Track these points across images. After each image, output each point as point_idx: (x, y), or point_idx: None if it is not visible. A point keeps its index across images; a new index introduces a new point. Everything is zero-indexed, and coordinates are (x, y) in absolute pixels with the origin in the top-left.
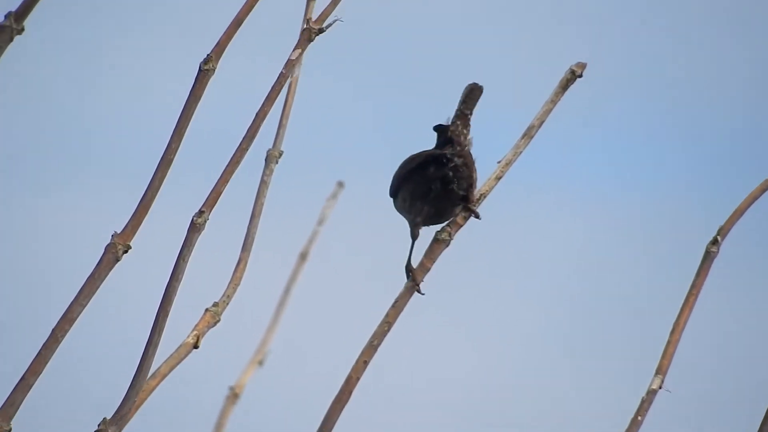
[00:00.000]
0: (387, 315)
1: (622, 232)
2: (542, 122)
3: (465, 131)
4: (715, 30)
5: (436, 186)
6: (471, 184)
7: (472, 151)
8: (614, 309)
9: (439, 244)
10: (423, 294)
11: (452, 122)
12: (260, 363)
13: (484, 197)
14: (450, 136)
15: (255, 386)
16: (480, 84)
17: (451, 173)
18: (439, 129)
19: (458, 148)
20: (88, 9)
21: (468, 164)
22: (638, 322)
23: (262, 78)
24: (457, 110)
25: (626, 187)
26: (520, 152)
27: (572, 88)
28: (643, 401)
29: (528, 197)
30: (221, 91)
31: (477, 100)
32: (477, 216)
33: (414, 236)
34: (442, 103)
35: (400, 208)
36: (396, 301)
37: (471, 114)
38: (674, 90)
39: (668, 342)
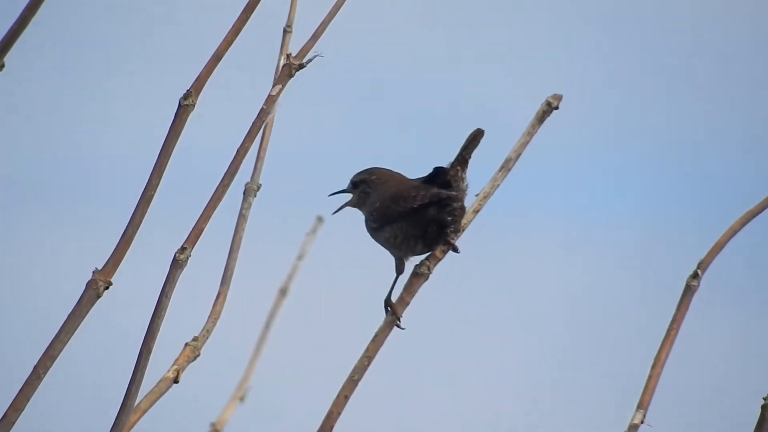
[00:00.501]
0: (367, 349)
1: (601, 265)
2: (519, 155)
3: (463, 175)
4: (693, 62)
5: (432, 228)
6: (459, 228)
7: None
8: (594, 343)
9: (418, 278)
10: (403, 329)
11: (452, 166)
12: (241, 399)
13: (463, 230)
14: (449, 179)
15: (236, 422)
16: (483, 129)
17: (449, 217)
18: (440, 171)
19: (457, 193)
20: (68, 45)
21: (463, 209)
22: (619, 356)
23: (241, 113)
24: (459, 154)
25: (606, 221)
26: (498, 185)
27: (548, 120)
28: None
29: (506, 230)
30: (201, 127)
31: (478, 144)
32: (455, 250)
33: (400, 271)
34: (422, 137)
35: (387, 242)
36: (376, 336)
37: (470, 158)
38: (654, 123)
39: (649, 376)
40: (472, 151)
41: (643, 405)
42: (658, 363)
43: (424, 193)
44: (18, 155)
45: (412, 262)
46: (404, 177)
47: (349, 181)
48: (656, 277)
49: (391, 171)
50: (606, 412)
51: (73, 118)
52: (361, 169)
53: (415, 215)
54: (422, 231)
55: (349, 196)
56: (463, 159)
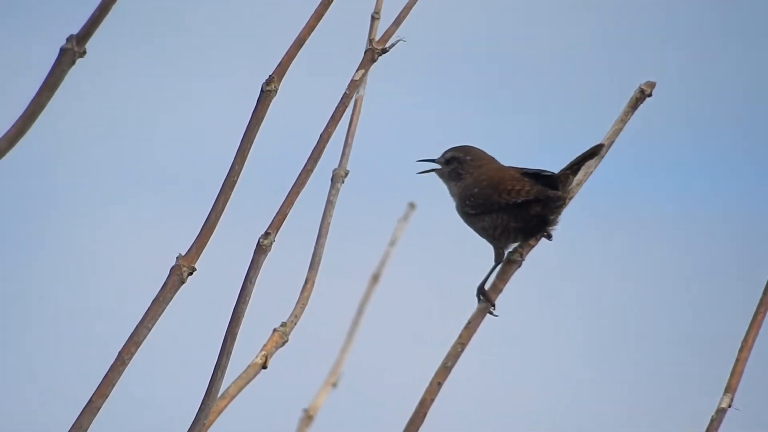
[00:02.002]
0: (460, 336)
1: (690, 249)
2: (612, 142)
3: (572, 178)
4: None
5: (533, 223)
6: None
7: None
8: (683, 328)
9: (511, 265)
10: (497, 316)
11: (564, 171)
12: (334, 385)
13: None
14: (557, 183)
15: (329, 408)
16: (603, 144)
17: (552, 216)
18: (549, 176)
19: (564, 194)
20: (149, 31)
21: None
22: (707, 340)
23: (324, 99)
24: (574, 163)
25: (695, 206)
26: (591, 172)
27: (641, 107)
28: (712, 420)
29: (598, 216)
30: (284, 112)
31: (557, 183)
32: (549, 237)
33: (498, 261)
34: (510, 120)
35: (484, 231)
36: (469, 322)
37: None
38: (742, 112)
39: (737, 360)
40: (585, 162)
41: (730, 389)
42: (745, 346)
43: (530, 188)
44: (101, 142)
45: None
46: (498, 163)
47: (441, 154)
48: (745, 260)
49: (485, 153)
50: (694, 395)
51: (156, 104)
52: (456, 145)
53: (518, 209)
54: (523, 225)
55: (437, 166)
56: (574, 168)
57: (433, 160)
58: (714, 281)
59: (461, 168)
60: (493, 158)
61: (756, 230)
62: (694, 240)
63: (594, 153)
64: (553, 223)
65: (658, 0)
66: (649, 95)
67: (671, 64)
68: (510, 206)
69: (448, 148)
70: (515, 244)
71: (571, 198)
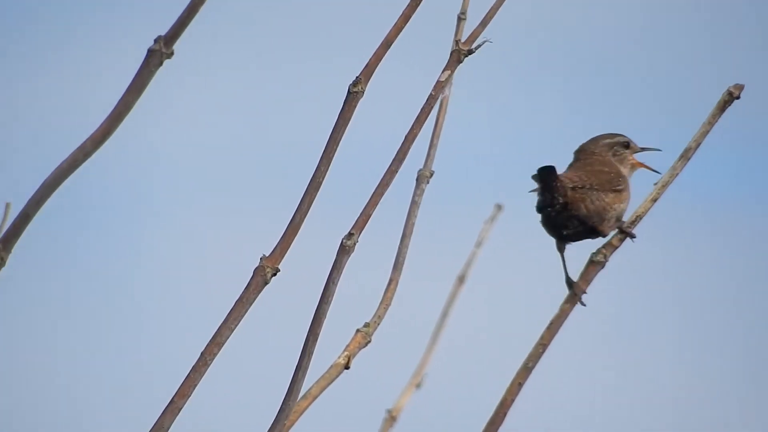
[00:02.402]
0: (542, 337)
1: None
2: (699, 144)
3: (556, 194)
4: None
5: (553, 229)
6: (588, 226)
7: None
8: (755, 336)
9: (594, 266)
10: (584, 305)
11: (542, 192)
12: (418, 385)
13: (640, 218)
14: (544, 199)
15: (412, 409)
16: (546, 167)
17: (557, 222)
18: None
19: (557, 196)
20: (237, 33)
21: (572, 209)
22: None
23: (410, 99)
24: (541, 186)
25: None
26: (677, 174)
27: (729, 109)
28: None
29: (684, 218)
30: (370, 113)
31: (551, 178)
32: (632, 236)
33: (558, 249)
34: (596, 122)
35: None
36: (551, 323)
37: (555, 182)
38: None
39: None
40: (550, 181)
41: None
42: None
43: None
44: (188, 143)
45: (588, 246)
46: (586, 164)
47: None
48: None
49: (593, 151)
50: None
51: (243, 106)
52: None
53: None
54: (551, 233)
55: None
56: (549, 188)
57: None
58: None
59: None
60: (590, 161)
61: None
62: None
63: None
64: (562, 222)
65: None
66: (737, 98)
67: (761, 66)
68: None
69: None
70: (574, 240)
71: (656, 200)
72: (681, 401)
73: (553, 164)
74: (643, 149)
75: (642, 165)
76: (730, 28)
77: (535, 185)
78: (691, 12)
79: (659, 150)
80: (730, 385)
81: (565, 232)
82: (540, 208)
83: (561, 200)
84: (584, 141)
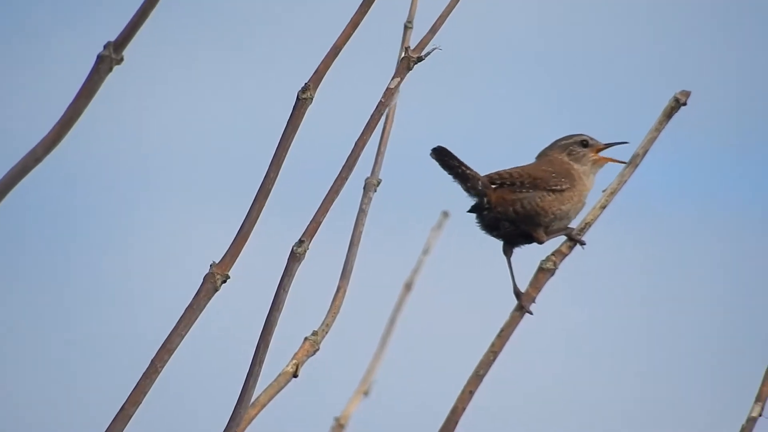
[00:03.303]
0: (492, 344)
1: (723, 257)
2: (646, 151)
3: (469, 184)
4: None
5: (487, 230)
6: (518, 227)
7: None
8: (714, 336)
9: (544, 273)
10: (531, 313)
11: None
12: (365, 393)
13: (590, 225)
14: (470, 195)
15: (360, 417)
16: (437, 147)
17: (488, 223)
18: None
19: (483, 202)
20: (186, 39)
21: (500, 211)
22: (738, 349)
23: (360, 106)
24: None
25: (729, 213)
26: (625, 181)
27: (676, 116)
28: (743, 428)
29: (632, 224)
30: (319, 120)
31: (446, 158)
32: (582, 243)
33: (504, 253)
34: (544, 128)
35: None
36: (501, 331)
37: (460, 168)
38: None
39: None
40: (452, 165)
41: (761, 397)
42: None
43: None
44: (136, 149)
45: (537, 253)
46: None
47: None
48: None
49: (546, 154)
50: (724, 404)
51: (191, 112)
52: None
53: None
54: (491, 235)
55: None
56: (455, 174)
57: None
58: (748, 290)
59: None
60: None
61: None
62: (727, 248)
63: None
64: (495, 226)
65: (694, 9)
66: (684, 104)
67: (706, 73)
68: None
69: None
70: (515, 247)
71: (605, 207)
72: (632, 407)
73: (444, 146)
74: (607, 145)
75: (605, 159)
76: (681, 35)
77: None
78: (640, 19)
79: (626, 143)
80: (682, 388)
81: (496, 233)
82: (472, 209)
83: (484, 197)
84: (543, 146)
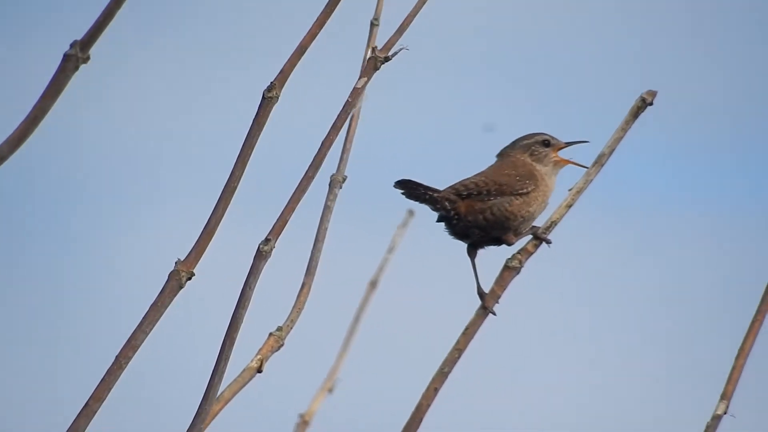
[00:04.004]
0: (458, 342)
1: (688, 257)
2: (613, 150)
3: (439, 205)
4: None
5: (459, 238)
6: (488, 233)
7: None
8: (679, 333)
9: (509, 271)
10: (495, 314)
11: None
12: (330, 390)
13: (555, 224)
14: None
15: (324, 413)
16: (400, 181)
17: (459, 231)
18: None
19: (451, 215)
20: (152, 39)
21: (469, 221)
22: (703, 346)
23: (326, 106)
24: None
25: (694, 213)
26: (591, 180)
27: (643, 115)
28: (708, 426)
29: (598, 223)
30: (285, 119)
31: (410, 187)
32: (548, 242)
33: (468, 254)
34: (511, 128)
35: None
36: (467, 328)
37: (426, 192)
38: (740, 121)
39: (733, 367)
40: (419, 194)
41: (726, 395)
42: (741, 354)
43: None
44: (102, 148)
45: (503, 252)
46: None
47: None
48: (741, 269)
49: (508, 154)
50: (690, 402)
51: (157, 110)
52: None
53: None
54: (455, 238)
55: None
56: (423, 199)
57: None
58: (712, 288)
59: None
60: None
61: (755, 237)
62: (691, 248)
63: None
64: (462, 231)
65: (661, 9)
66: (650, 104)
67: (673, 72)
68: None
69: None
70: (480, 248)
71: (570, 206)
72: (597, 404)
73: (408, 178)
74: (568, 144)
75: (566, 161)
76: (648, 35)
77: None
78: (607, 19)
79: (586, 142)
80: (648, 386)
81: (468, 241)
82: (440, 219)
83: (451, 212)
84: (504, 144)
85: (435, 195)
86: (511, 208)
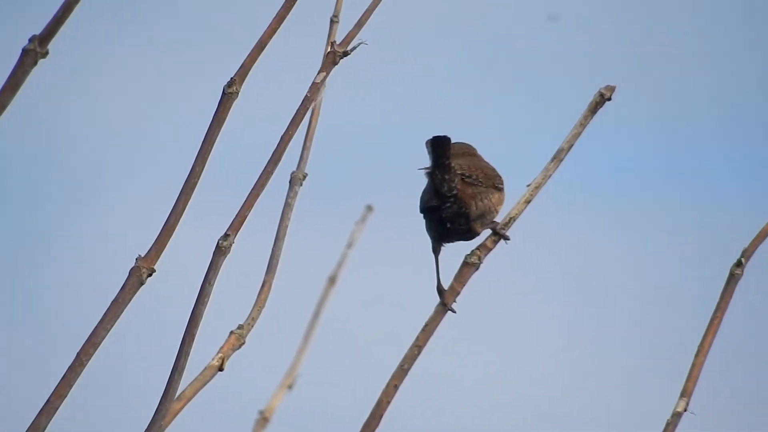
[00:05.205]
0: (417, 338)
1: (648, 253)
2: (571, 145)
3: (447, 177)
4: (744, 52)
5: (438, 225)
6: (469, 225)
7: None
8: (638, 331)
9: (468, 267)
10: (455, 312)
11: (432, 172)
12: (290, 387)
13: (514, 220)
14: (436, 187)
15: (284, 410)
16: (441, 136)
17: (444, 218)
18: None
19: (448, 196)
20: (111, 34)
21: (462, 207)
22: (663, 344)
23: (285, 101)
24: (432, 163)
25: (651, 210)
26: (550, 175)
27: (601, 110)
28: (668, 424)
29: (556, 219)
30: (245, 115)
31: (445, 148)
32: (506, 239)
33: (434, 251)
34: (469, 125)
35: (425, 228)
36: (426, 325)
37: (448, 161)
38: (698, 116)
39: (693, 364)
40: (443, 157)
41: (686, 393)
42: (701, 351)
43: (426, 197)
44: (61, 143)
45: (462, 252)
46: (470, 158)
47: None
48: (700, 266)
49: (463, 147)
50: (649, 399)
51: (116, 106)
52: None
53: (426, 215)
54: (432, 226)
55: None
56: (439, 164)
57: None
58: (672, 285)
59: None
60: (469, 153)
61: (714, 235)
62: (650, 244)
63: (434, 146)
64: (453, 224)
65: (618, 4)
66: (609, 99)
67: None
68: (423, 212)
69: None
70: (453, 241)
71: (529, 201)
72: (556, 402)
73: (448, 135)
74: None
75: None
76: (608, 30)
77: (425, 166)
78: (566, 15)
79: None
80: (607, 383)
81: (443, 232)
82: (428, 207)
83: (454, 192)
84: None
85: (453, 166)
86: (493, 200)
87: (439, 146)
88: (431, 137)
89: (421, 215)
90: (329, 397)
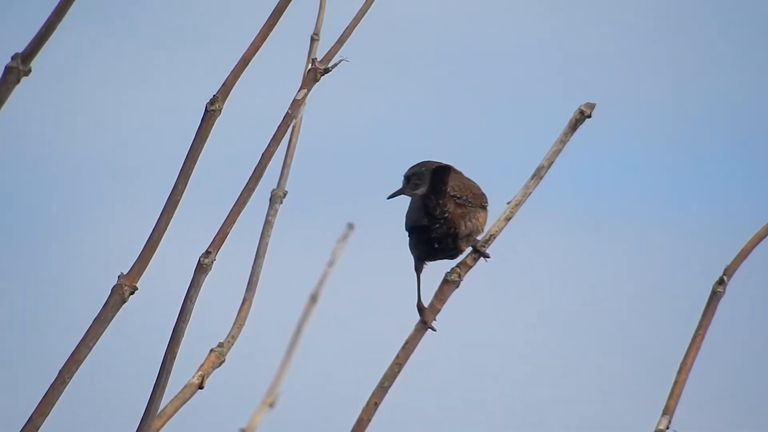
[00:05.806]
0: (397, 356)
1: (629, 271)
2: (551, 162)
3: (442, 201)
4: (725, 69)
5: (426, 245)
6: (456, 244)
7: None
8: (621, 348)
9: (449, 285)
10: (435, 330)
11: (427, 196)
12: (271, 405)
13: (494, 237)
14: (428, 210)
15: (266, 428)
16: (445, 165)
17: (434, 238)
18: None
19: (439, 218)
20: (93, 52)
21: (452, 227)
22: (645, 362)
23: (267, 118)
24: (429, 188)
25: (633, 228)
26: (530, 192)
27: (581, 128)
28: None
29: (536, 237)
30: (226, 131)
31: (446, 177)
32: (486, 256)
33: (417, 270)
34: (450, 140)
35: (409, 246)
36: (406, 343)
37: (446, 186)
38: (679, 133)
39: (675, 382)
40: (441, 183)
41: (668, 410)
42: (683, 369)
43: (415, 217)
44: (44, 161)
45: (442, 269)
46: (456, 177)
47: (403, 178)
48: (682, 283)
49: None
50: (632, 417)
51: (99, 123)
52: (415, 163)
53: (413, 234)
54: (419, 244)
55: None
56: (436, 189)
57: (399, 191)
58: (653, 304)
59: (419, 180)
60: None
61: (696, 253)
62: (632, 262)
63: (435, 174)
64: (441, 244)
65: (599, 21)
66: (589, 116)
67: (611, 85)
68: (410, 230)
69: (408, 168)
70: (438, 259)
71: (509, 219)
72: (537, 419)
73: (450, 165)
74: None
75: None
76: (588, 47)
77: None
78: (546, 32)
79: None
80: (589, 401)
81: (433, 249)
82: (417, 226)
83: (446, 215)
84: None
85: (447, 190)
86: (480, 219)
87: (441, 175)
88: (435, 167)
89: (407, 233)
90: (310, 415)
